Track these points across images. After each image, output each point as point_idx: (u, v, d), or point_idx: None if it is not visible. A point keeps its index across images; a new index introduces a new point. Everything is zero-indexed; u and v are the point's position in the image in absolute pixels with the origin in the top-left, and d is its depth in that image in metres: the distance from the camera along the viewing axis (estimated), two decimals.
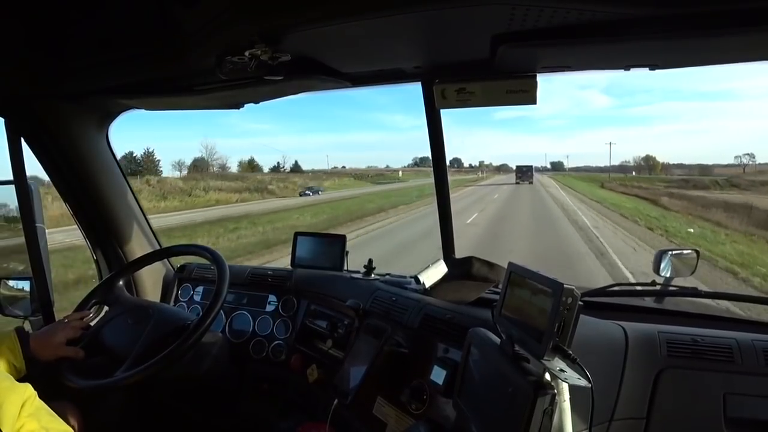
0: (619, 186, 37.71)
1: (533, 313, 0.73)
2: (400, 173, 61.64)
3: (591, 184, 41.14)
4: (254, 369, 1.52)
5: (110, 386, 1.14)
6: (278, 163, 55.34)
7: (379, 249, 8.71)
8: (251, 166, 50.55)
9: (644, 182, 42.14)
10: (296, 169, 54.27)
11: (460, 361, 0.92)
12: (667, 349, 0.94)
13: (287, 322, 1.52)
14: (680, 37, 0.82)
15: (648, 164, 67.31)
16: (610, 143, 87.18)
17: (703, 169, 58.12)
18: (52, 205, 4.68)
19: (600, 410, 0.82)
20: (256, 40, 0.90)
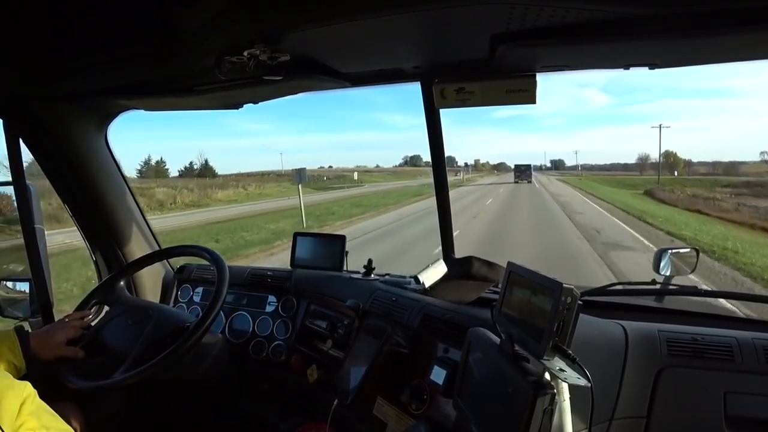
0: (688, 199, 21.41)
1: (533, 312, 0.73)
2: (355, 175, 48.75)
3: (634, 195, 25.08)
4: (254, 369, 1.52)
5: (109, 387, 1.14)
6: (190, 163, 41.05)
7: None
8: (157, 169, 37.93)
9: (701, 188, 28.13)
10: (204, 172, 37.50)
11: (460, 361, 0.92)
12: (668, 348, 0.94)
13: (287, 322, 1.52)
14: (679, 36, 0.82)
15: (668, 162, 55.73)
16: (660, 126, 45.54)
17: (728, 168, 48.43)
18: None
19: (600, 409, 0.82)
20: (255, 40, 0.90)
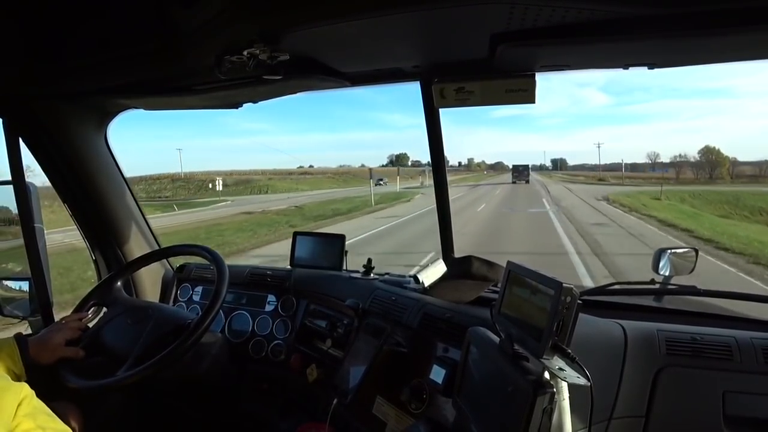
0: None
1: (532, 311, 0.73)
2: (218, 184, 33.10)
3: None
4: (254, 369, 1.52)
5: (111, 386, 1.14)
6: None
7: None
8: None
9: None
10: None
11: (459, 361, 0.92)
12: (667, 348, 0.94)
13: (286, 321, 1.52)
14: (678, 36, 0.83)
15: (708, 160, 44.77)
16: None
17: None
18: None
19: (599, 409, 0.82)
20: (254, 40, 0.90)
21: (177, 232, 13.05)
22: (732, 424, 0.87)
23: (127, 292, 1.45)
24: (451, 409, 0.96)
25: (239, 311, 1.58)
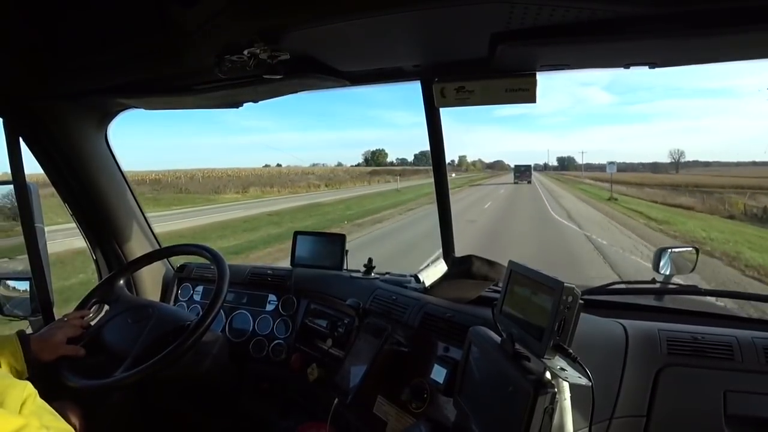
0: None
1: (534, 311, 0.73)
2: None
3: None
4: (254, 368, 1.52)
5: (109, 386, 1.14)
6: None
7: None
8: None
9: None
10: None
11: (460, 360, 0.92)
12: (668, 347, 0.94)
13: (287, 321, 1.52)
14: (679, 35, 0.82)
15: None
16: None
17: None
18: None
19: (600, 408, 0.82)
20: (255, 39, 0.90)
21: None
22: (733, 423, 0.87)
23: (128, 292, 1.46)
24: (452, 409, 0.96)
25: (240, 311, 1.58)
